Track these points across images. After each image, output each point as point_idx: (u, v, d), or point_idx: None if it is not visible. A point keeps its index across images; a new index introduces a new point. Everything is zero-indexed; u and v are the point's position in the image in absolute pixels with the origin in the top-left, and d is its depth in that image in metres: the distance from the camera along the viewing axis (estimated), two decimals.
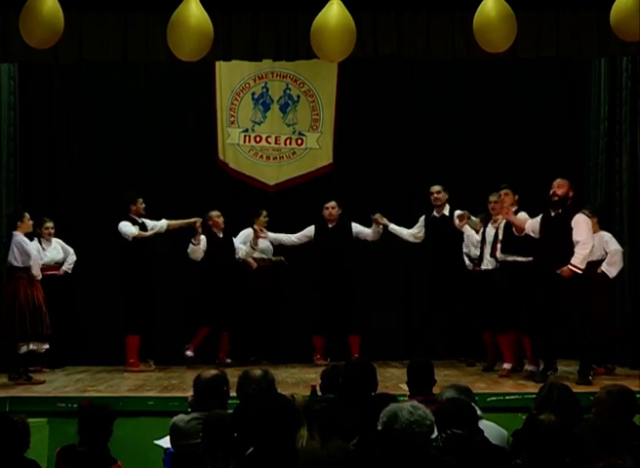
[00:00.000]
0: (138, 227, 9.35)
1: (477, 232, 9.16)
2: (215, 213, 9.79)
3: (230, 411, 4.93)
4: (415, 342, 9.74)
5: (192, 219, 9.54)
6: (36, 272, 8.50)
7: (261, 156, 10.49)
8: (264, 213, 9.87)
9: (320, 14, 6.91)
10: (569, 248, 7.76)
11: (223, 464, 4.29)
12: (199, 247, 9.62)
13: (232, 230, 9.89)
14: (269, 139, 10.51)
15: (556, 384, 4.82)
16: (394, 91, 10.44)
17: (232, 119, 10.46)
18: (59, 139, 10.35)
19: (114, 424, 4.97)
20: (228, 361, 9.58)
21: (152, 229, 9.49)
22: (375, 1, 7.76)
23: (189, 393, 5.46)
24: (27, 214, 8.72)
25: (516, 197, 8.55)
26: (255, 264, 9.85)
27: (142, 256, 9.33)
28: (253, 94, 10.51)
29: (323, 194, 10.15)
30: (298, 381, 8.15)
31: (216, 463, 4.33)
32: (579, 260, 7.71)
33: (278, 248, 10.06)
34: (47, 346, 8.67)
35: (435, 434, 4.18)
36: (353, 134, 10.38)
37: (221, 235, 9.84)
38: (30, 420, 4.65)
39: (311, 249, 9.89)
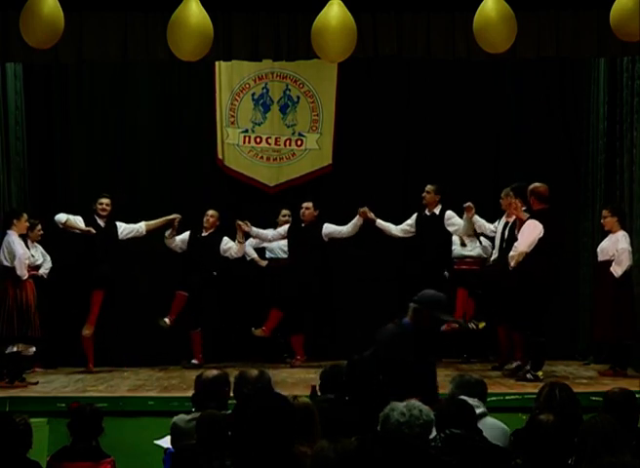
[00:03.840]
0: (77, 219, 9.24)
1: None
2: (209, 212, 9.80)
3: (229, 412, 4.93)
4: None
5: (171, 216, 9.55)
6: (21, 272, 8.35)
7: (261, 157, 10.48)
8: (283, 212, 9.98)
9: (321, 14, 6.92)
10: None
11: (220, 464, 4.29)
12: (172, 240, 9.69)
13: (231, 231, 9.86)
14: (269, 141, 10.49)
15: (557, 384, 4.83)
16: (394, 91, 10.43)
17: (232, 119, 10.45)
18: (58, 139, 10.34)
19: (109, 423, 5.10)
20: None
21: (130, 233, 9.42)
22: (375, 1, 7.76)
23: (189, 393, 5.46)
24: (26, 215, 8.62)
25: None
26: (263, 263, 9.93)
27: None
28: (253, 94, 10.49)
29: (323, 195, 10.16)
30: (297, 381, 8.14)
31: (211, 463, 4.33)
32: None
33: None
34: (34, 349, 8.49)
35: (434, 434, 4.18)
36: (353, 134, 10.36)
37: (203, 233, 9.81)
38: (30, 420, 4.67)
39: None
